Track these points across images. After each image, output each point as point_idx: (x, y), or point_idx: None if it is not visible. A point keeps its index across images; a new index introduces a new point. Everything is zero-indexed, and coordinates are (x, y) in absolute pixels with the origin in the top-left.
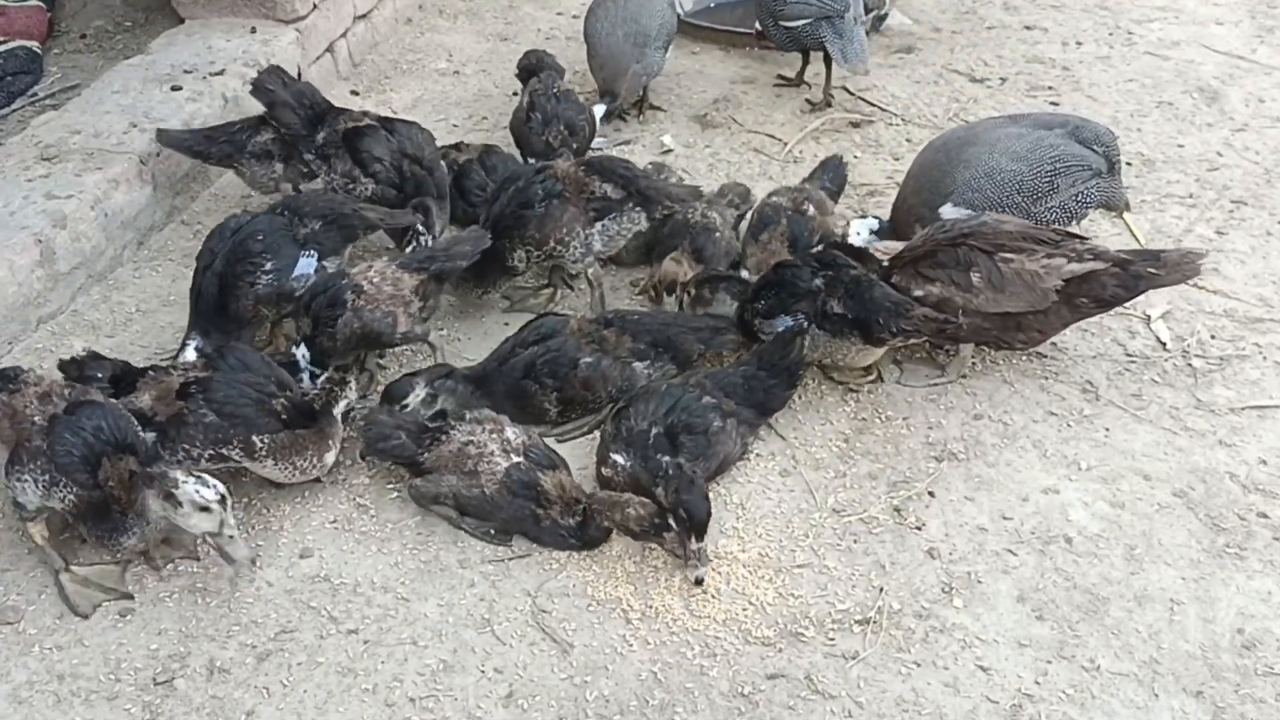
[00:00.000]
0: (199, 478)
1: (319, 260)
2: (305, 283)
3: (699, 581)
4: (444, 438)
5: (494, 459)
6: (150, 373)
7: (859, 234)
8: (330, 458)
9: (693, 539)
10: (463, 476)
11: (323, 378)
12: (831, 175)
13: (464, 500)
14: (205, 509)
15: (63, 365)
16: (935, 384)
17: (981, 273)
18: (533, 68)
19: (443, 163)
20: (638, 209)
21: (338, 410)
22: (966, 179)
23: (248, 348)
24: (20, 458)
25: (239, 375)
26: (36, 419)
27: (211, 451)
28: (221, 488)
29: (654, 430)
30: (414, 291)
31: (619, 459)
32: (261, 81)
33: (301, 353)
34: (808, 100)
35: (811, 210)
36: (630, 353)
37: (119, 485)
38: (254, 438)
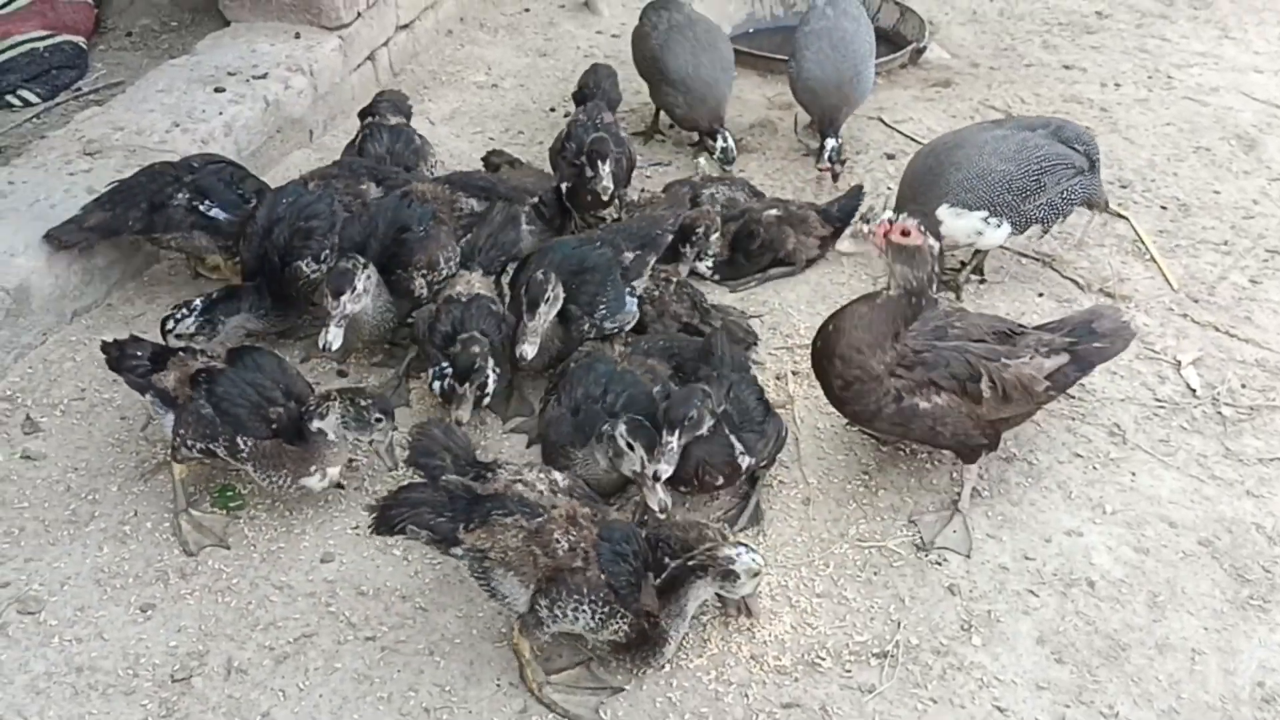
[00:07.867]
0: (742, 545)
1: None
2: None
3: (663, 510)
4: (490, 475)
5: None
6: (180, 354)
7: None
8: (309, 482)
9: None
10: None
11: (315, 396)
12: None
13: None
14: (758, 572)
15: (105, 346)
16: None
17: (991, 382)
18: (585, 93)
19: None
20: None
21: (320, 427)
22: (959, 180)
23: (269, 350)
24: (578, 588)
25: (246, 375)
26: (578, 546)
27: (201, 445)
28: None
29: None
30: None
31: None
32: None
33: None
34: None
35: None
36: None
37: (652, 606)
38: (239, 438)
